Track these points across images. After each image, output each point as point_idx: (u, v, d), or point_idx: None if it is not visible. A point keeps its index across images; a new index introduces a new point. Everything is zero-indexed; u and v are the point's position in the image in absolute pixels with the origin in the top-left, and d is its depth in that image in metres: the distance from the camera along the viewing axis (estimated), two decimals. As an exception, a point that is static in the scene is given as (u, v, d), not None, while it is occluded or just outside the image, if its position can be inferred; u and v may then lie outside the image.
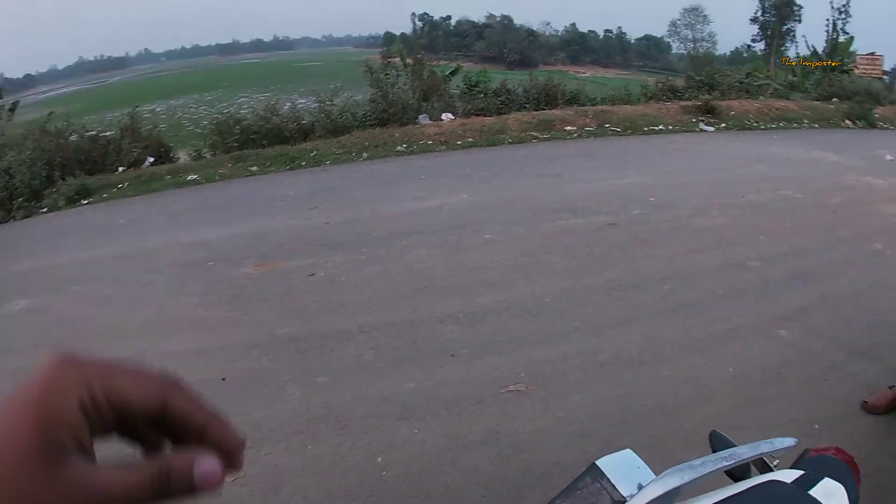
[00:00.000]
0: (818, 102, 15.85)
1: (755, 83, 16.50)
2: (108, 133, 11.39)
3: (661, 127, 11.00)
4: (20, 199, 8.85)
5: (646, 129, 10.74)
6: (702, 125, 11.55)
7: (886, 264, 5.69)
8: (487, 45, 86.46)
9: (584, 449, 2.88)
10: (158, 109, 43.60)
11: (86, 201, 8.91)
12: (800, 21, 52.81)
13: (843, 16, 50.06)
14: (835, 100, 16.33)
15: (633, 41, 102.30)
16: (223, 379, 3.55)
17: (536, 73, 13.81)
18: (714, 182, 7.58)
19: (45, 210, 8.82)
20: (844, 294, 4.88)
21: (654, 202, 6.55)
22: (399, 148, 9.48)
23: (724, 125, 11.92)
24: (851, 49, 25.39)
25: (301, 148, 9.82)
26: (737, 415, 3.24)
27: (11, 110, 13.05)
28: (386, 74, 11.30)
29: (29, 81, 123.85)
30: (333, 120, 10.73)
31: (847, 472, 1.37)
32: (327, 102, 11.23)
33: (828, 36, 26.00)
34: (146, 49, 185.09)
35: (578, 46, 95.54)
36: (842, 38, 26.39)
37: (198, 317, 4.46)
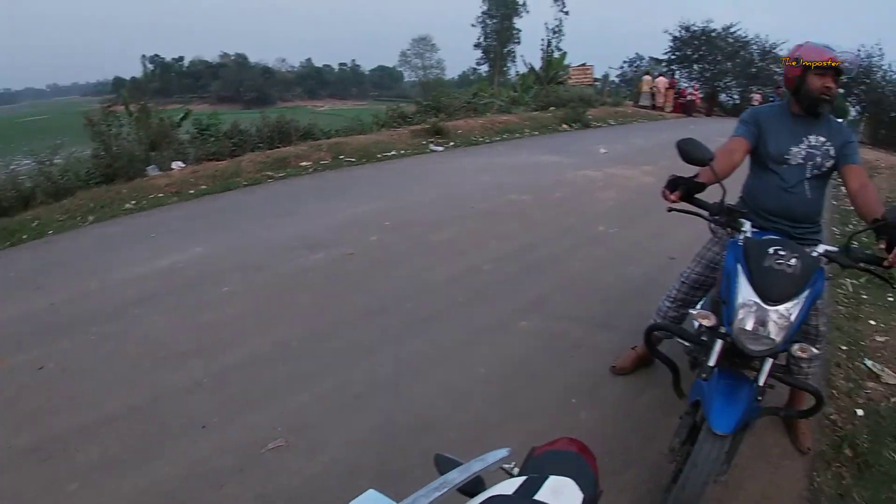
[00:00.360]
0: (537, 112, 17.61)
1: (481, 102, 17.77)
2: None
3: (393, 152, 11.29)
4: None
5: (379, 156, 10.95)
6: (432, 146, 12.09)
7: (608, 242, 6.43)
8: (223, 85, 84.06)
9: (356, 486, 2.75)
10: None
11: None
12: (519, 43, 58.25)
13: (556, 35, 56.17)
14: (552, 108, 18.25)
15: (367, 72, 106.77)
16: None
17: (274, 110, 13.57)
18: (445, 197, 7.93)
19: None
20: (576, 276, 5.43)
21: (390, 225, 6.63)
22: (128, 206, 8.58)
23: (452, 144, 12.60)
24: (565, 62, 28.52)
25: (21, 219, 8.45)
26: (495, 412, 3.38)
27: None
28: (108, 126, 10.27)
29: None
30: (55, 182, 9.35)
31: (576, 461, 1.41)
32: (47, 162, 9.88)
33: (543, 54, 28.94)
34: None
35: (315, 81, 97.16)
36: (556, 54, 29.62)
37: None
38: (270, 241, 6.32)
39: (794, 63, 2.79)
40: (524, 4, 58.48)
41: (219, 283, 5.26)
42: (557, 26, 57.04)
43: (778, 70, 35.16)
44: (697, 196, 2.54)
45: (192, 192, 9.00)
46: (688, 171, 2.57)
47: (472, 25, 59.29)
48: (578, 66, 27.46)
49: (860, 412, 3.95)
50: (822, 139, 2.82)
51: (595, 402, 3.54)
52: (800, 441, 3.41)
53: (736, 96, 33.76)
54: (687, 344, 2.91)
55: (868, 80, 30.35)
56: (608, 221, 7.16)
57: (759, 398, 2.30)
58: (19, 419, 3.57)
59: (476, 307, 4.70)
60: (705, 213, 2.57)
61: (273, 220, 7.03)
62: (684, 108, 25.75)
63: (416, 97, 16.23)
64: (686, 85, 30.61)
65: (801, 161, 2.84)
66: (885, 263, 2.25)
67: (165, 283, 5.41)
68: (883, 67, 30.35)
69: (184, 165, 10.18)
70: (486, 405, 3.45)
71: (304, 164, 10.20)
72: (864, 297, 5.88)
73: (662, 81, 26.22)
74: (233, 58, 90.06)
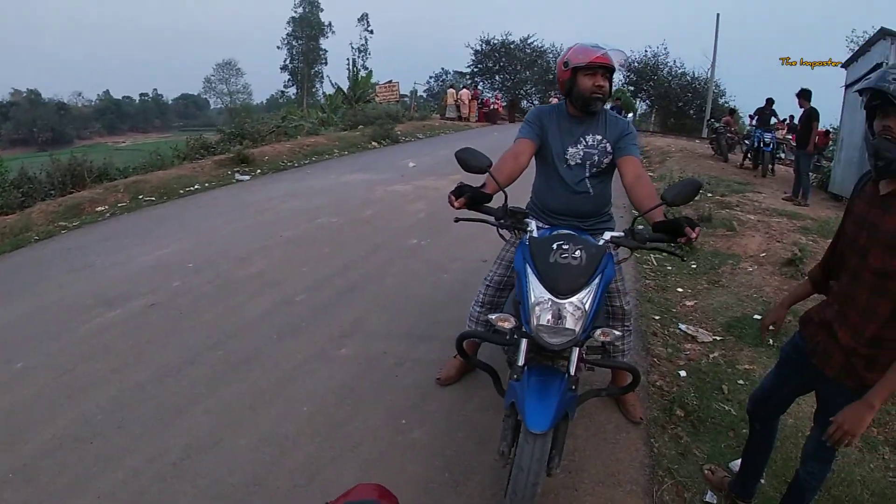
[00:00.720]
0: (346, 132, 17.37)
1: (291, 125, 17.28)
2: None
3: (196, 186, 10.40)
4: None
5: (182, 191, 10.05)
6: (237, 176, 11.32)
7: (421, 253, 6.25)
8: (15, 126, 72.09)
9: None
10: None
11: None
12: (326, 63, 58.22)
13: (362, 54, 56.65)
14: (361, 127, 18.13)
15: (170, 102, 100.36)
16: None
17: (70, 150, 12.04)
18: (251, 228, 7.35)
19: None
20: (392, 291, 5.26)
21: (193, 267, 5.93)
22: None
23: (259, 171, 11.91)
24: (372, 81, 28.78)
25: None
26: (326, 449, 3.12)
27: None
28: None
29: None
30: None
31: None
32: None
33: (349, 73, 29.03)
34: None
35: (114, 115, 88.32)
36: (363, 73, 29.79)
37: None
38: (64, 303, 5.40)
39: (564, 66, 2.80)
40: (330, 25, 58.75)
41: (11, 360, 4.37)
42: (363, 45, 58.09)
43: None
44: (487, 205, 2.54)
45: (-24, 255, 7.70)
46: (479, 180, 2.60)
47: (278, 48, 58.77)
48: (385, 83, 27.79)
49: (683, 373, 4.02)
50: (599, 137, 2.88)
51: (426, 417, 3.41)
52: (631, 413, 3.44)
53: (536, 102, 36.16)
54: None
55: (656, 76, 34.20)
56: (420, 233, 7.00)
57: (574, 387, 2.27)
58: None
59: (292, 342, 4.33)
60: (491, 218, 2.56)
61: (67, 278, 6.07)
62: (488, 116, 27.06)
63: (222, 125, 15.26)
64: (489, 95, 32.39)
65: (579, 161, 2.91)
66: (682, 240, 2.27)
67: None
68: (668, 64, 34.71)
69: (-35, 225, 8.67)
70: (316, 444, 3.16)
71: (99, 208, 9.06)
72: (669, 268, 6.20)
73: (466, 93, 27.42)
74: (24, 94, 79.29)
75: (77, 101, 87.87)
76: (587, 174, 2.92)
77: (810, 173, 10.85)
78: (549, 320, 2.20)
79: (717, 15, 29.68)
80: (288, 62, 58.64)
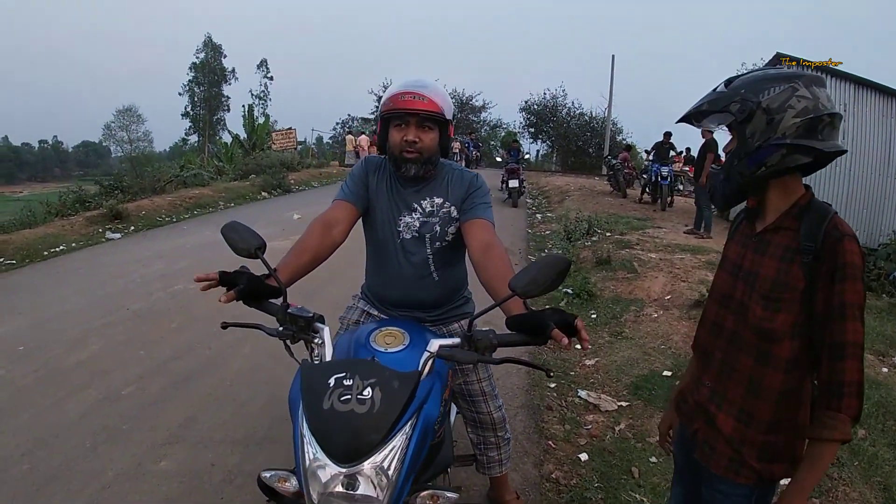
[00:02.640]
0: (236, 182, 16.38)
1: (189, 174, 16.31)
2: None
3: (62, 247, 9.16)
4: None
5: (46, 253, 8.85)
6: (108, 234, 10.20)
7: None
8: None
9: None
10: None
11: None
12: (228, 110, 56.88)
13: (262, 101, 55.75)
14: (252, 176, 17.22)
15: (70, 150, 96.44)
16: None
17: None
18: (98, 301, 6.28)
19: None
20: (236, 379, 4.35)
21: (24, 350, 4.93)
22: None
23: (133, 228, 10.77)
24: (272, 127, 28.06)
25: None
26: None
27: None
28: None
29: None
30: None
31: None
32: None
33: (244, 121, 28.19)
34: None
35: (12, 162, 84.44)
36: (261, 120, 29.04)
37: None
38: None
39: (378, 116, 2.14)
40: (233, 71, 57.51)
41: None
42: (263, 92, 56.93)
43: (475, 119, 39.18)
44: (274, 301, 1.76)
45: None
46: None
47: (180, 94, 56.95)
48: (283, 130, 27.05)
49: (584, 457, 3.38)
50: (440, 200, 2.14)
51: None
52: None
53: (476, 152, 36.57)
54: None
55: (555, 117, 35.32)
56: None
57: None
58: None
59: (108, 451, 3.45)
60: (269, 325, 1.77)
61: None
62: (390, 163, 26.54)
63: (122, 174, 14.09)
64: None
65: (416, 234, 2.15)
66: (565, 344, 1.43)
67: None
68: (567, 105, 36.10)
69: None
70: None
71: (-48, 274, 7.81)
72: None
73: (364, 139, 26.95)
74: None
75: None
76: (429, 252, 2.17)
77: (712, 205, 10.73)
78: (336, 489, 1.41)
79: (613, 57, 31.03)
80: (189, 109, 56.86)
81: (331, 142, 36.31)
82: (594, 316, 5.76)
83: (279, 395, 3.91)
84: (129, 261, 8.15)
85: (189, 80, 56.74)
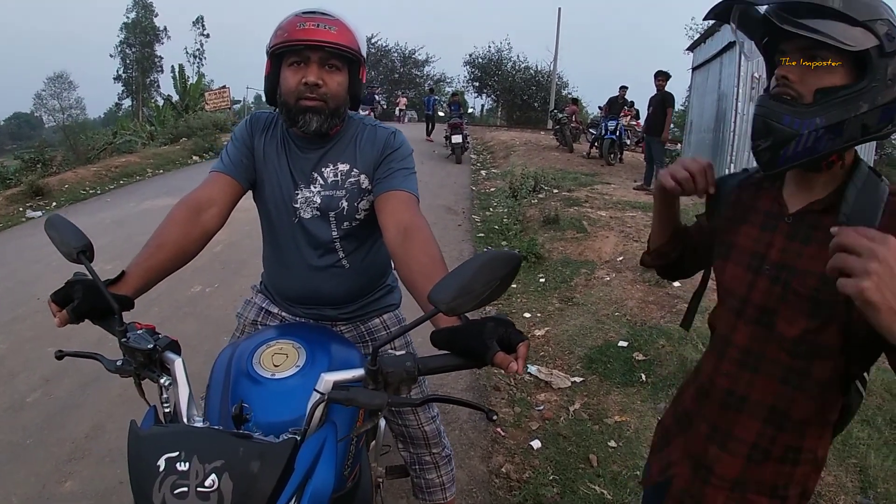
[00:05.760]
0: (166, 147, 15.44)
1: (121, 140, 15.35)
2: None
3: None
4: None
5: None
6: (29, 212, 9.43)
7: (203, 305, 4.98)
8: None
9: None
10: None
11: None
12: (162, 71, 54.57)
13: (197, 59, 53.63)
14: (183, 139, 16.31)
15: (2, 122, 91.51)
16: None
17: None
18: (10, 289, 5.72)
19: None
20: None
21: None
22: None
23: (55, 204, 9.97)
24: (211, 87, 26.64)
25: None
26: None
27: None
28: None
29: None
30: None
31: None
32: None
33: (174, 83, 26.70)
34: None
35: None
36: (193, 80, 27.55)
37: None
38: None
39: (267, 52, 1.57)
40: (165, 30, 54.92)
41: None
42: (198, 50, 54.55)
43: (418, 74, 38.34)
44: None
45: None
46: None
47: (111, 56, 54.26)
48: (216, 89, 25.66)
49: (537, 444, 3.09)
50: (345, 167, 1.65)
51: None
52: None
53: (383, 103, 35.62)
54: None
55: (500, 71, 34.70)
56: (207, 276, 5.53)
57: None
58: None
59: (11, 471, 3.01)
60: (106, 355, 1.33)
61: None
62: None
63: (49, 145, 13.12)
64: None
65: (316, 212, 1.67)
66: (499, 363, 1.05)
67: None
68: (512, 59, 35.37)
69: None
70: None
71: None
72: (514, 286, 5.22)
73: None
74: None
75: None
76: (335, 234, 1.69)
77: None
78: None
79: (559, 9, 30.34)
80: (121, 72, 54.27)
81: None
82: (542, 280, 5.46)
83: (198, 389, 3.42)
84: (44, 242, 7.46)
85: (120, 42, 54.14)
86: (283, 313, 1.83)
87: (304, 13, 1.50)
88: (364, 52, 1.58)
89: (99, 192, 11.01)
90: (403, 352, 1.22)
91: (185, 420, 1.17)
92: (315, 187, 1.65)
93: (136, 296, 1.38)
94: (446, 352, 1.12)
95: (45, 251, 6.91)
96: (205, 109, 22.89)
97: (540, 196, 8.95)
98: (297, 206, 1.66)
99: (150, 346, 1.22)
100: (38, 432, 3.33)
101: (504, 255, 1.00)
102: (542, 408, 3.43)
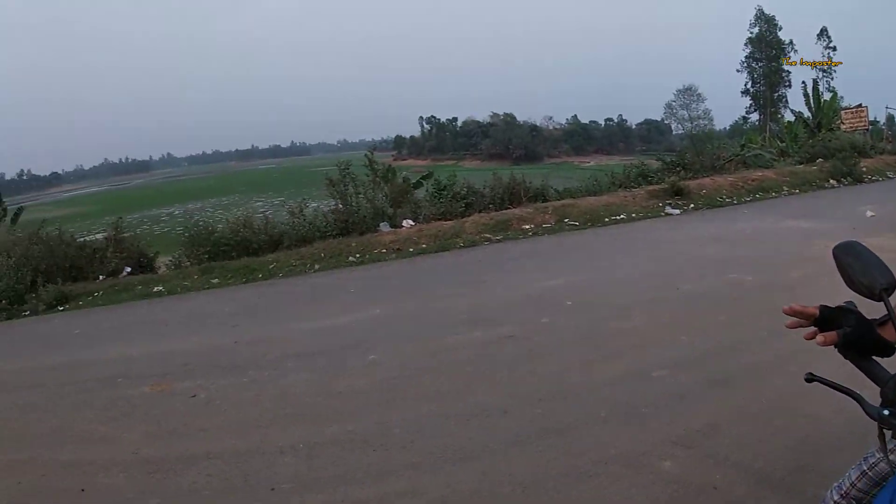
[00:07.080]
0: (801, 166, 15.65)
1: (749, 153, 16.33)
2: (97, 237, 12.01)
3: (622, 216, 10.61)
4: (3, 302, 9.28)
5: (606, 220, 10.35)
6: (668, 209, 11.13)
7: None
8: (493, 143, 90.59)
9: None
10: (177, 213, 45.38)
11: (62, 308, 9.15)
12: (790, 86, 53.06)
13: (826, 74, 50.60)
14: (819, 160, 16.10)
15: (633, 127, 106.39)
16: (82, 490, 3.47)
17: (541, 166, 13.77)
18: (651, 274, 6.97)
19: (27, 314, 9.08)
20: (774, 400, 3.81)
21: (571, 305, 5.97)
22: (351, 258, 9.43)
23: (692, 206, 11.47)
24: (844, 105, 24.93)
25: (263, 260, 9.87)
26: None
27: (15, 216, 15.43)
28: (345, 186, 11.35)
29: (55, 179, 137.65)
30: (297, 230, 10.83)
31: None
32: (297, 211, 11.40)
33: (806, 99, 25.40)
34: (169, 153, 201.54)
35: (581, 137, 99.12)
36: (827, 97, 25.95)
37: (84, 431, 4.39)
38: (444, 311, 6.23)
39: None
40: (791, 43, 53.17)
41: (370, 350, 5.33)
42: (828, 66, 51.09)
43: None
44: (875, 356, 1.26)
45: (411, 249, 9.52)
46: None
47: (738, 71, 55.60)
48: (854, 107, 23.67)
49: None
50: None
51: None
52: None
53: None
54: None
55: None
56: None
57: None
58: (156, 434, 4.19)
59: (615, 427, 3.63)
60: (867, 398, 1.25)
61: (460, 288, 6.96)
62: None
63: (684, 151, 15.11)
64: None
65: None
66: None
67: (327, 341, 5.79)
68: None
69: (413, 224, 10.78)
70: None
71: (525, 227, 10.14)
72: None
73: None
74: (501, 117, 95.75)
75: (548, 124, 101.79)
76: None
77: None
78: None
79: None
80: (749, 86, 54.89)
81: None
82: None
83: (814, 435, 3.36)
84: (684, 238, 8.77)
85: (746, 56, 54.45)
86: None
87: None
88: None
89: (735, 202, 12.09)
90: None
91: None
92: None
93: None
94: None
95: (681, 247, 8.13)
96: (840, 129, 21.75)
97: None
98: None
99: None
100: (653, 406, 3.81)
101: None
102: None
